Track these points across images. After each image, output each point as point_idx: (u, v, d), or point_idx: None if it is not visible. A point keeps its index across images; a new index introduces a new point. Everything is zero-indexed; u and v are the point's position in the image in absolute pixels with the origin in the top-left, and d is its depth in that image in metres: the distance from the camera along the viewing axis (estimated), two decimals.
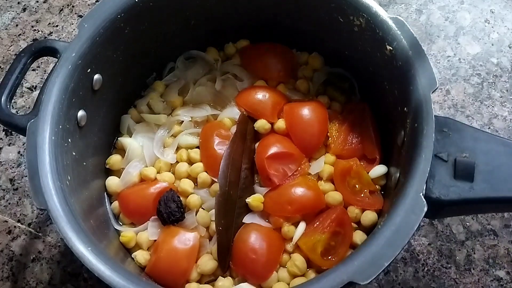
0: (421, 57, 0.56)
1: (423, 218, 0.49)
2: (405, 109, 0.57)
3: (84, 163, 0.63)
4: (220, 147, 0.67)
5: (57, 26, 0.90)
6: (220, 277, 0.62)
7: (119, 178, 0.68)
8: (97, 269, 0.50)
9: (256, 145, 0.69)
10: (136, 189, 0.67)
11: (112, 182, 0.68)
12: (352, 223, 0.64)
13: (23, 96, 0.84)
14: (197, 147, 0.70)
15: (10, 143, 0.80)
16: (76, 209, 0.55)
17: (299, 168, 0.66)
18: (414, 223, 0.49)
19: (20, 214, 0.75)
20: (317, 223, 0.62)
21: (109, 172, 0.70)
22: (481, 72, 0.82)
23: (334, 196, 0.64)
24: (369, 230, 0.62)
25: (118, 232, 0.66)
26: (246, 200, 0.64)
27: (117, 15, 0.62)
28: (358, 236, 0.62)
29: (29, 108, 0.82)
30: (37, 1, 0.93)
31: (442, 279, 0.68)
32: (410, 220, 0.49)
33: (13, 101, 0.72)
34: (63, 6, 0.92)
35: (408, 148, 0.54)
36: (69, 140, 0.59)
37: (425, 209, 0.49)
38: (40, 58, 0.64)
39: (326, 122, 0.69)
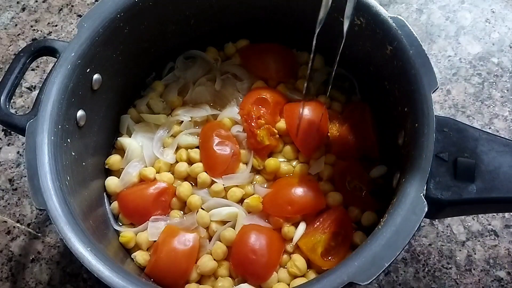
0: (422, 56, 0.56)
1: (423, 218, 0.49)
2: (406, 109, 0.57)
3: (84, 163, 0.63)
4: (220, 147, 0.67)
5: (56, 25, 0.90)
6: (220, 278, 0.61)
7: (119, 178, 0.68)
8: (97, 270, 0.50)
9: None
10: (136, 189, 0.67)
11: (112, 182, 0.68)
12: (352, 224, 0.63)
13: (22, 96, 0.84)
14: (197, 147, 0.70)
15: (9, 143, 0.80)
16: (75, 209, 0.55)
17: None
18: (414, 223, 0.49)
19: (20, 215, 0.75)
20: (317, 223, 0.62)
21: (108, 172, 0.70)
22: (481, 72, 0.81)
23: (334, 197, 0.64)
24: (369, 230, 0.61)
25: (117, 233, 0.66)
26: (245, 201, 0.65)
27: (116, 14, 0.62)
28: (358, 237, 0.62)
29: (28, 108, 0.82)
30: (36, 1, 0.93)
31: (443, 280, 0.67)
32: (411, 220, 0.49)
33: (12, 101, 0.72)
34: (62, 6, 0.92)
35: (409, 148, 0.54)
36: (69, 140, 0.59)
37: (426, 209, 0.49)
38: (40, 58, 0.64)
39: (326, 122, 0.69)
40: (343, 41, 0.56)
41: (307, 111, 0.68)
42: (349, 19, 0.54)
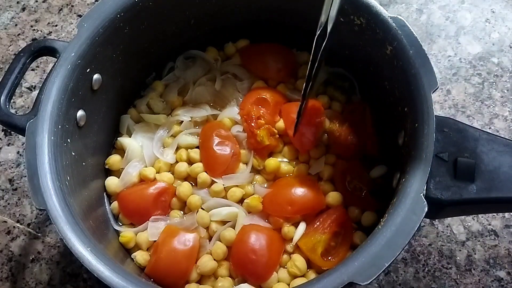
0: (422, 57, 0.56)
1: (423, 218, 0.49)
2: (406, 109, 0.57)
3: (84, 163, 0.63)
4: (220, 147, 0.67)
5: (56, 25, 0.90)
6: (220, 278, 0.61)
7: (119, 178, 0.68)
8: (97, 270, 0.50)
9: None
10: (136, 189, 0.67)
11: (112, 182, 0.68)
12: (352, 224, 0.63)
13: (22, 96, 0.84)
14: (197, 147, 0.70)
15: (9, 143, 0.80)
16: (75, 209, 0.55)
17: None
18: (414, 223, 0.49)
19: (20, 215, 0.75)
20: (317, 223, 0.62)
21: (108, 172, 0.70)
22: (481, 72, 0.81)
23: (334, 197, 0.64)
24: (370, 230, 0.61)
25: (117, 233, 0.66)
26: (245, 201, 0.65)
27: (116, 14, 0.62)
28: (358, 237, 0.62)
29: (28, 108, 0.82)
30: (36, 1, 0.93)
31: (443, 280, 0.67)
32: (411, 220, 0.49)
33: (12, 101, 0.72)
34: (62, 6, 0.92)
35: (409, 148, 0.54)
36: (69, 140, 0.59)
37: (426, 209, 0.49)
38: (40, 58, 0.64)
39: (324, 122, 0.69)
40: (325, 41, 0.56)
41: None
42: (333, 20, 0.54)
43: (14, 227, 0.74)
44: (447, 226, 0.70)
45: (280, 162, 0.67)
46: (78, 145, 0.61)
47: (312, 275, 0.61)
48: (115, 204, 0.67)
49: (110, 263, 0.51)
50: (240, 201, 0.66)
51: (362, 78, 0.71)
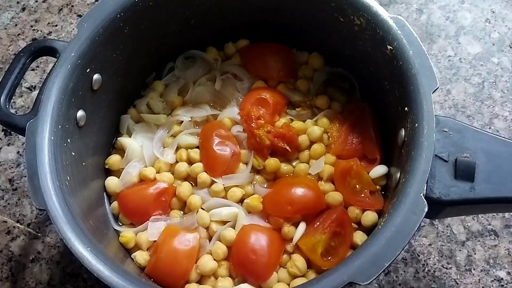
0: (422, 56, 0.56)
1: (423, 218, 0.49)
2: (406, 109, 0.57)
3: (84, 163, 0.63)
4: (220, 147, 0.67)
5: (56, 25, 0.90)
6: (220, 278, 0.61)
7: (119, 178, 0.68)
8: (97, 270, 0.50)
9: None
10: (136, 189, 0.67)
11: (112, 182, 0.68)
12: (353, 224, 0.63)
13: (22, 96, 0.84)
14: (197, 147, 0.70)
15: (9, 143, 0.80)
16: (75, 209, 0.55)
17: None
18: (414, 223, 0.49)
19: (19, 215, 0.75)
20: (317, 223, 0.62)
21: (108, 172, 0.70)
22: (481, 72, 0.81)
23: (335, 197, 0.64)
24: (370, 230, 0.62)
25: (117, 233, 0.66)
26: (245, 201, 0.65)
27: (116, 14, 0.62)
28: (359, 237, 0.62)
29: (28, 108, 0.82)
30: (36, 1, 0.93)
31: (443, 280, 0.67)
32: (411, 220, 0.49)
33: (12, 101, 0.72)
34: (62, 6, 0.92)
35: (409, 148, 0.54)
36: (69, 140, 0.59)
37: (426, 209, 0.49)
38: (40, 58, 0.64)
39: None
40: None
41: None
42: None
43: (14, 227, 0.74)
44: (447, 226, 0.70)
45: (280, 162, 0.67)
46: (78, 145, 0.61)
47: (312, 275, 0.61)
48: (115, 204, 0.67)
49: (110, 263, 0.51)
50: (240, 201, 0.66)
51: (362, 78, 0.71)
